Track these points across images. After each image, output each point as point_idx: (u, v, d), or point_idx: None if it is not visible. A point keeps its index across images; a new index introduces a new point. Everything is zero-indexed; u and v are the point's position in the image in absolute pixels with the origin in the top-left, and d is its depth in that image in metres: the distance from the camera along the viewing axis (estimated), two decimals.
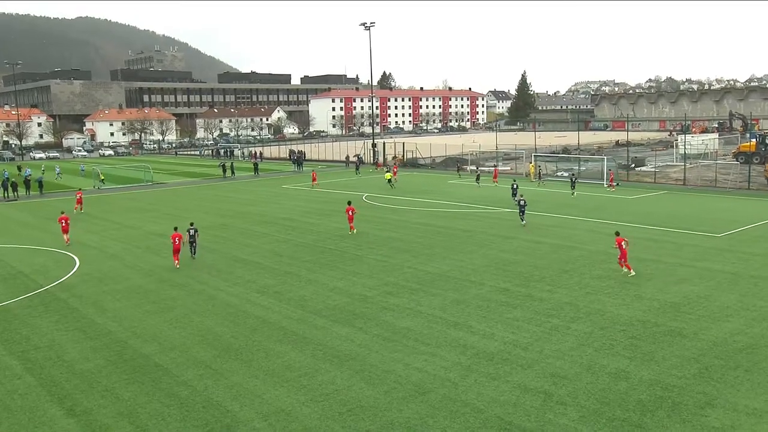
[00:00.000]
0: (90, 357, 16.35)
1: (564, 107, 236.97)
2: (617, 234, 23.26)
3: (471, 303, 19.87)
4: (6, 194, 52.66)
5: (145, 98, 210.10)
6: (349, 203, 32.61)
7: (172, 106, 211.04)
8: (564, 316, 18.32)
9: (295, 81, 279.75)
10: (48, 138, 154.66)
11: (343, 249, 28.42)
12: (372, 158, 79.54)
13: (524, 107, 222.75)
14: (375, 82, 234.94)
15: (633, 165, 58.94)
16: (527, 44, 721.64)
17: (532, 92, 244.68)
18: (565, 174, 57.60)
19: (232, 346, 16.83)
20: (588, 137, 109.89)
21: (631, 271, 22.44)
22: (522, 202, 33.32)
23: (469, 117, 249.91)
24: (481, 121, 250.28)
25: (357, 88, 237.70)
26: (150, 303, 20.99)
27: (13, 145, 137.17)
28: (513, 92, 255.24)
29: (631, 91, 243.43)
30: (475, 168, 64.52)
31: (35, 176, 60.21)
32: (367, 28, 77.56)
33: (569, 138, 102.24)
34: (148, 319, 19.27)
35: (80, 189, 48.58)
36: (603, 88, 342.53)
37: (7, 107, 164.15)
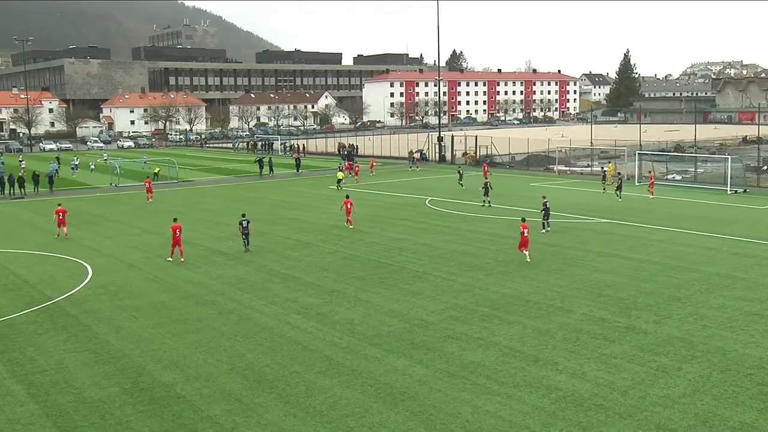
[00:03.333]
0: (102, 384, 16.85)
1: (677, 94, 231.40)
2: (523, 220, 28.55)
3: (557, 334, 19.56)
4: (11, 191, 54.98)
5: (171, 81, 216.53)
6: (347, 197, 38.29)
7: (202, 91, 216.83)
8: (674, 355, 17.80)
9: (347, 61, 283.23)
10: (60, 126, 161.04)
11: (401, 264, 28.46)
12: (438, 154, 79.53)
13: (626, 94, 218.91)
14: (443, 63, 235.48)
15: (766, 167, 57.03)
16: (631, 18, 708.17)
17: (636, 76, 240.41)
18: (678, 177, 56.27)
19: (266, 376, 17.05)
20: (707, 131, 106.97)
21: (528, 257, 27.96)
22: (546, 205, 34.79)
23: (557, 106, 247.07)
24: (572, 111, 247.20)
25: (421, 70, 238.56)
26: (172, 323, 21.51)
27: (21, 135, 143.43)
28: (613, 76, 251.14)
29: (763, 75, 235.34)
30: (563, 169, 63.63)
31: (45, 171, 62.80)
32: None
33: (683, 132, 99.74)
34: (169, 342, 19.74)
35: (147, 177, 54.47)
36: (727, 70, 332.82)
37: (15, 90, 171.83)
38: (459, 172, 56.36)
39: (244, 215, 32.20)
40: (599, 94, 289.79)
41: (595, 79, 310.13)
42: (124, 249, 32.98)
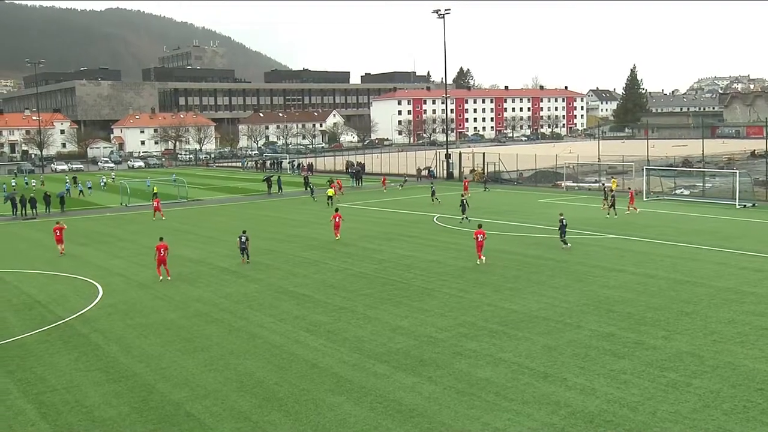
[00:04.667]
0: (112, 403, 16.89)
1: (684, 109, 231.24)
2: (479, 227, 31.60)
3: (566, 350, 19.48)
4: (23, 212, 55.34)
5: (181, 101, 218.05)
6: (337, 210, 40.33)
7: (211, 110, 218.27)
8: (684, 370, 17.70)
9: (355, 80, 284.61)
10: (71, 147, 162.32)
11: (409, 281, 28.46)
12: (446, 171, 79.68)
13: (634, 109, 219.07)
14: (450, 81, 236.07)
15: None
16: (638, 33, 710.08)
17: (643, 91, 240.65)
18: (686, 192, 56.14)
19: (275, 394, 17.05)
20: (715, 146, 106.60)
21: (482, 258, 30.86)
22: (563, 222, 34.35)
23: (565, 122, 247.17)
24: (579, 127, 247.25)
25: (428, 88, 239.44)
26: (182, 341, 21.55)
27: (33, 156, 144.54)
28: (620, 91, 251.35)
29: None
30: (571, 185, 63.61)
31: (56, 191, 63.24)
32: (441, 16, 78.20)
33: (691, 147, 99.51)
34: (179, 360, 19.78)
35: (156, 196, 56.39)
36: (734, 85, 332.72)
37: (27, 112, 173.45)
38: (431, 189, 57.39)
39: (244, 231, 33.81)
40: (606, 109, 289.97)
41: (602, 95, 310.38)
42: (134, 268, 33.12)
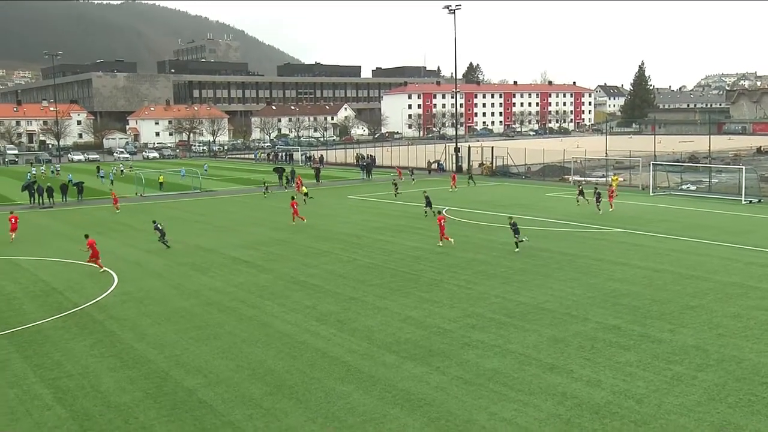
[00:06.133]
0: (127, 388, 16.96)
1: (691, 105, 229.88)
2: (440, 212, 34.91)
3: (572, 342, 19.43)
4: (41, 200, 55.58)
5: (195, 93, 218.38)
6: (293, 198, 43.28)
7: (225, 103, 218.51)
8: (689, 363, 17.61)
9: (366, 74, 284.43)
10: (88, 138, 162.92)
11: (418, 272, 28.44)
12: (455, 165, 79.55)
13: (641, 105, 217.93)
14: (460, 75, 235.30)
15: None
16: (646, 30, 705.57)
17: (651, 87, 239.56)
18: (693, 187, 55.83)
19: (286, 382, 17.07)
20: (722, 142, 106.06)
21: (450, 240, 33.18)
22: (515, 225, 32.35)
23: (572, 117, 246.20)
24: (587, 122, 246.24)
25: (438, 82, 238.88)
26: (195, 329, 21.61)
27: (51, 146, 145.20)
28: (628, 87, 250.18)
29: None
30: (579, 179, 63.40)
31: (71, 179, 63.49)
32: (452, 12, 77.91)
33: (698, 143, 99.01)
34: (192, 348, 19.83)
35: (112, 190, 55.58)
36: (741, 82, 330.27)
37: (45, 103, 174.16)
38: (394, 184, 57.34)
39: (154, 221, 36.00)
40: (614, 105, 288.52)
41: (610, 91, 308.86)
42: (148, 257, 33.22)
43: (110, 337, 21.06)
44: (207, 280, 28.16)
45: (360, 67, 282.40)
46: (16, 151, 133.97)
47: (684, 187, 56.21)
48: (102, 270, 29.70)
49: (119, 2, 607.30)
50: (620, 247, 32.67)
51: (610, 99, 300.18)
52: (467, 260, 30.53)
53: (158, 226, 35.35)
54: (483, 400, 15.67)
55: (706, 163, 66.92)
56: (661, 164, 60.68)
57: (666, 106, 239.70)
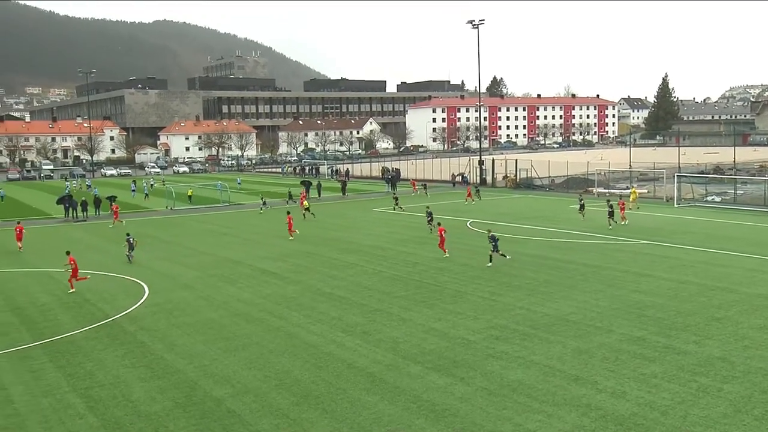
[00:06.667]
0: (157, 398, 17.09)
1: (716, 117, 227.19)
2: (439, 224, 35.55)
3: (596, 354, 19.23)
4: (75, 214, 56.37)
5: (224, 109, 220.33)
6: (288, 213, 43.87)
7: (252, 118, 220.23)
8: (715, 375, 17.34)
9: (391, 88, 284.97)
10: (120, 153, 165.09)
11: (443, 284, 28.36)
12: (479, 177, 79.38)
13: (665, 117, 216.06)
14: (483, 89, 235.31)
15: None
16: (669, 42, 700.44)
17: (675, 99, 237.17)
18: (717, 199, 55.14)
19: (312, 392, 17.09)
20: (747, 153, 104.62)
21: (446, 253, 33.70)
22: (493, 237, 32.04)
23: (596, 129, 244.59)
24: (611, 134, 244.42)
25: (462, 96, 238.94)
26: (223, 339, 21.74)
27: (84, 161, 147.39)
28: (651, 100, 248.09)
29: None
30: (602, 191, 62.92)
31: (103, 194, 64.34)
32: (475, 27, 77.99)
33: (722, 154, 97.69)
34: (220, 358, 19.95)
35: (114, 203, 53.57)
36: (766, 93, 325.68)
37: (79, 119, 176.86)
38: (395, 198, 56.85)
39: (128, 234, 36.70)
40: (638, 117, 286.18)
41: (634, 103, 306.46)
42: (178, 269, 33.51)
43: (141, 347, 21.26)
44: (235, 291, 28.33)
45: (385, 81, 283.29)
46: (51, 167, 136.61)
47: (709, 198, 55.49)
48: (71, 291, 28.90)
49: (151, 21, 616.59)
50: (645, 259, 32.31)
51: (633, 111, 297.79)
52: (491, 272, 30.38)
53: (130, 239, 36.04)
54: (507, 411, 15.55)
55: (731, 175, 66.02)
56: (686, 176, 60.00)
57: (690, 118, 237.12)
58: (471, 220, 47.56)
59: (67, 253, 30.46)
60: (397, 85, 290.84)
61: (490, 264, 31.35)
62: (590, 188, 65.85)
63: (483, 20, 77.44)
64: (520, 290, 26.82)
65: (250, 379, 18.13)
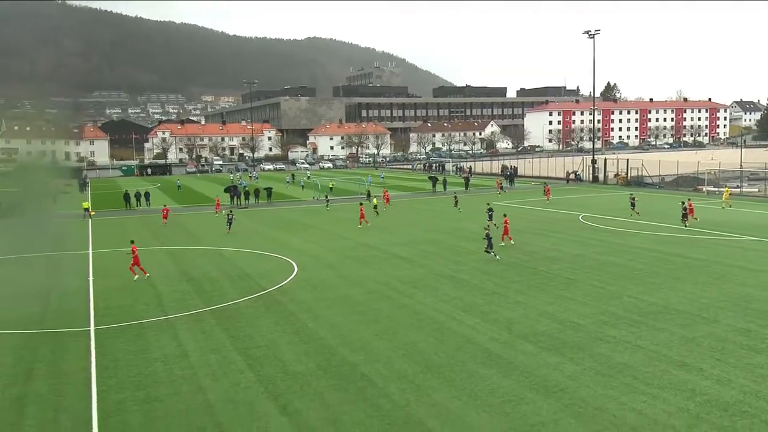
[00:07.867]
0: (302, 360, 17.73)
1: None
2: (504, 215, 35.45)
3: (702, 342, 18.05)
4: (240, 202, 59.50)
5: (363, 113, 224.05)
6: (361, 204, 44.82)
7: (387, 121, 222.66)
8: None
9: (511, 94, 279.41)
10: (276, 151, 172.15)
11: (555, 272, 27.56)
12: (592, 175, 76.45)
13: None
14: (598, 94, 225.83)
15: None
16: None
17: None
18: None
19: (434, 363, 17.13)
20: None
21: (512, 240, 33.22)
22: (488, 235, 30.37)
23: (707, 131, 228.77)
24: (722, 136, 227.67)
25: (577, 101, 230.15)
26: (358, 313, 22.20)
27: (247, 158, 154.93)
28: (764, 102, 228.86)
29: None
30: (712, 189, 58.83)
31: (245, 184, 67.53)
32: (591, 36, 74.95)
33: None
34: (356, 329, 20.39)
35: (165, 205, 51.01)
36: None
37: (243, 123, 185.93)
38: (455, 197, 54.21)
39: (231, 211, 42.67)
40: (750, 120, 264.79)
41: (746, 106, 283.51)
42: (322, 251, 34.51)
43: (290, 316, 22.10)
44: (369, 272, 28.83)
45: (506, 88, 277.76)
46: (220, 162, 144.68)
47: None
48: (135, 278, 27.98)
49: (303, 38, 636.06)
50: (754, 255, 29.95)
51: (745, 114, 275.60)
52: (601, 262, 29.21)
53: (230, 217, 42.06)
54: (613, 391, 14.94)
55: None
56: None
57: None
58: (583, 214, 45.87)
59: (131, 242, 29.81)
60: (517, 91, 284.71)
61: (496, 257, 30.06)
62: (700, 186, 61.75)
63: (599, 31, 74.30)
64: (629, 280, 25.61)
65: (380, 349, 18.43)
